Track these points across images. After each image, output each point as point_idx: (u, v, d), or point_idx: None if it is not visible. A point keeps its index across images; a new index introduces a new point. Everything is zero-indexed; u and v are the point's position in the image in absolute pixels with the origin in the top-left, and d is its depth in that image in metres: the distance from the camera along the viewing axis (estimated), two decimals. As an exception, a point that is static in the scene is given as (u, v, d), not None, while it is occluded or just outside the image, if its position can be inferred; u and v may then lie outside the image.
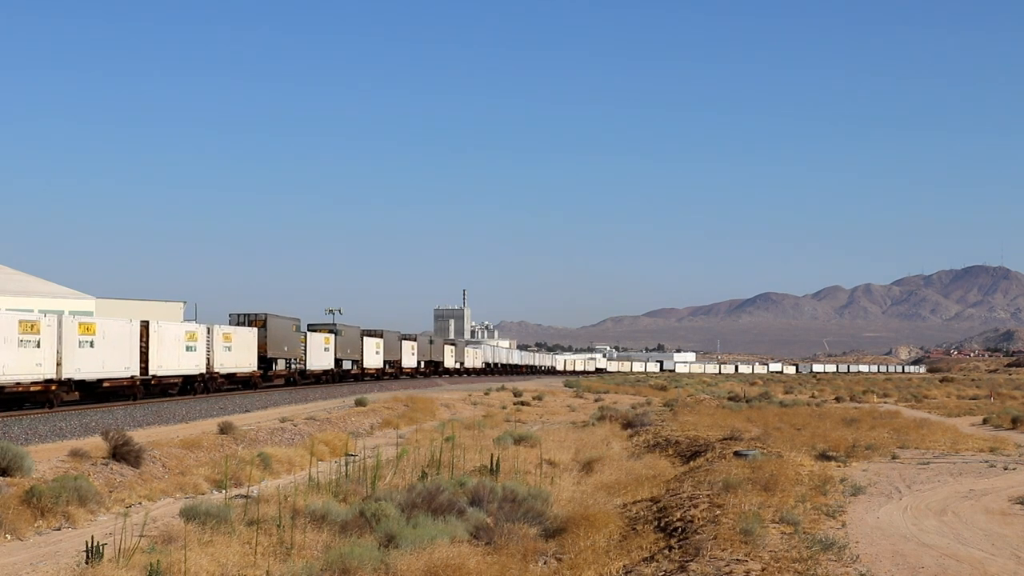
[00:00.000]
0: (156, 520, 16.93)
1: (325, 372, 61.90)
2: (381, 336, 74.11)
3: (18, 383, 30.41)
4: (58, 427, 28.04)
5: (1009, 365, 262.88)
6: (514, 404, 55.50)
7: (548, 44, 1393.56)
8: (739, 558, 12.99)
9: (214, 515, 15.91)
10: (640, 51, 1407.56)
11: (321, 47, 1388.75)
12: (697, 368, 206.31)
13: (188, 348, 41.70)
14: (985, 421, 40.55)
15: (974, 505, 17.93)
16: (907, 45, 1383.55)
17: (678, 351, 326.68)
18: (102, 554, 13.21)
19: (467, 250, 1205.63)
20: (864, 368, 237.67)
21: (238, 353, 47.23)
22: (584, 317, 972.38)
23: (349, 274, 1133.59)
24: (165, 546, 14.36)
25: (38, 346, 31.11)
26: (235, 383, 48.90)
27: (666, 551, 14.40)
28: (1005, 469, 23.06)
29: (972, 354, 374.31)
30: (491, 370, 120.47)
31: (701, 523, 15.74)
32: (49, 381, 31.85)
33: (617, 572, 13.77)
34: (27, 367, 30.70)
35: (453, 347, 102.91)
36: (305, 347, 57.69)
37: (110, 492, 19.78)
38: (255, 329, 50.10)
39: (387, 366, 75.62)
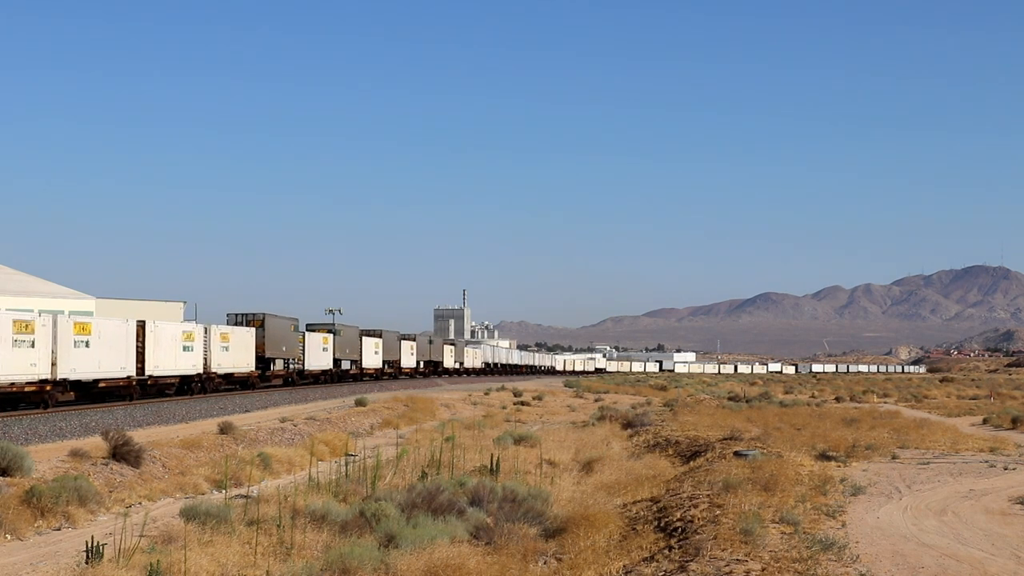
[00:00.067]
0: (156, 520, 16.93)
1: (323, 372, 61.86)
2: (380, 336, 74.08)
3: (13, 383, 30.21)
4: (58, 427, 28.04)
5: (1009, 365, 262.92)
6: (514, 404, 55.50)
7: (548, 44, 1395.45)
8: (739, 558, 12.99)
9: (214, 515, 15.91)
10: (640, 51, 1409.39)
11: (321, 47, 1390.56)
12: (697, 368, 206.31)
13: (185, 348, 41.61)
14: (985, 421, 40.55)
15: (974, 505, 17.93)
16: (907, 45, 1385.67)
17: (678, 351, 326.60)
18: (102, 554, 13.21)
19: (467, 250, 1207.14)
20: (864, 368, 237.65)
21: (236, 353, 47.16)
22: (584, 317, 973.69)
23: (349, 274, 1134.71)
24: (165, 546, 14.36)
25: (33, 346, 30.92)
26: (233, 383, 48.80)
27: (666, 551, 14.40)
28: (1005, 469, 23.06)
29: (972, 354, 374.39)
30: (491, 370, 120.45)
31: (701, 523, 15.74)
32: (44, 381, 31.63)
33: (617, 572, 13.76)
34: (22, 367, 30.50)
35: (453, 347, 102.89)
36: (303, 347, 57.63)
37: (110, 492, 19.78)
38: (253, 329, 50.02)
39: (386, 366, 75.58)
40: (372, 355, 71.64)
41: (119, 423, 28.75)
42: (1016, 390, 77.84)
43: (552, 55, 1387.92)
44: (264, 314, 52.34)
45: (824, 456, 24.53)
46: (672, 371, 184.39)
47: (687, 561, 13.17)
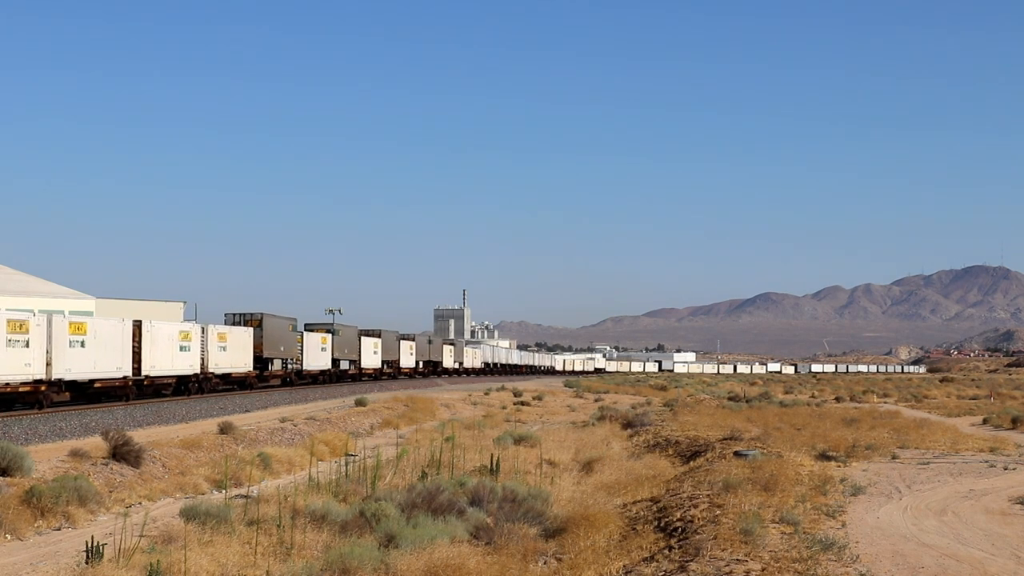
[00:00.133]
0: (156, 520, 16.92)
1: (322, 372, 61.81)
2: (379, 336, 74.07)
3: (7, 384, 30.04)
4: (58, 427, 28.03)
5: (1009, 365, 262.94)
6: (514, 404, 55.50)
7: (548, 44, 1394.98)
8: (739, 558, 12.99)
9: (214, 515, 15.90)
10: (640, 51, 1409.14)
11: (321, 47, 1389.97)
12: (697, 368, 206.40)
13: (182, 348, 41.51)
14: (985, 421, 40.56)
15: (974, 505, 17.93)
16: (907, 45, 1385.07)
17: (678, 351, 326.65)
18: (102, 554, 13.21)
19: (467, 250, 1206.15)
20: (864, 368, 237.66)
21: (233, 353, 47.08)
22: (584, 317, 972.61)
23: (349, 274, 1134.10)
24: (165, 546, 14.36)
25: (27, 346, 30.71)
26: (230, 383, 48.66)
27: (666, 551, 14.40)
28: (1005, 469, 23.07)
29: (972, 354, 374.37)
30: (491, 370, 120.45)
31: (701, 523, 15.74)
32: (38, 382, 31.43)
33: (617, 572, 13.76)
34: (15, 367, 30.29)
35: (452, 347, 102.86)
36: (302, 347, 57.59)
37: (110, 492, 19.78)
38: (250, 329, 49.95)
39: (385, 366, 75.55)
40: (371, 355, 71.63)
41: (119, 423, 28.74)
42: (1016, 390, 77.85)
43: (552, 55, 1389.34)
44: (262, 314, 52.31)
45: (824, 456, 24.53)
46: (672, 371, 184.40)
47: (687, 561, 13.18)
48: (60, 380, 32.82)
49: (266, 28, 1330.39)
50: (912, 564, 13.11)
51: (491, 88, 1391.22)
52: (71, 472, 19.64)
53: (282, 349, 54.84)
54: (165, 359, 40.09)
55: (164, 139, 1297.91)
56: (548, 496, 18.90)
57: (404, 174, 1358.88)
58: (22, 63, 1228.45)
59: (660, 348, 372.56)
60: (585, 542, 15.71)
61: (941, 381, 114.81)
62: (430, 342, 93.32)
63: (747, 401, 56.36)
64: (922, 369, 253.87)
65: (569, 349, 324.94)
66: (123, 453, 21.97)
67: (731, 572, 12.38)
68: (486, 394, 61.68)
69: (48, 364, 31.93)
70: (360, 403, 43.63)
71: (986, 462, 24.29)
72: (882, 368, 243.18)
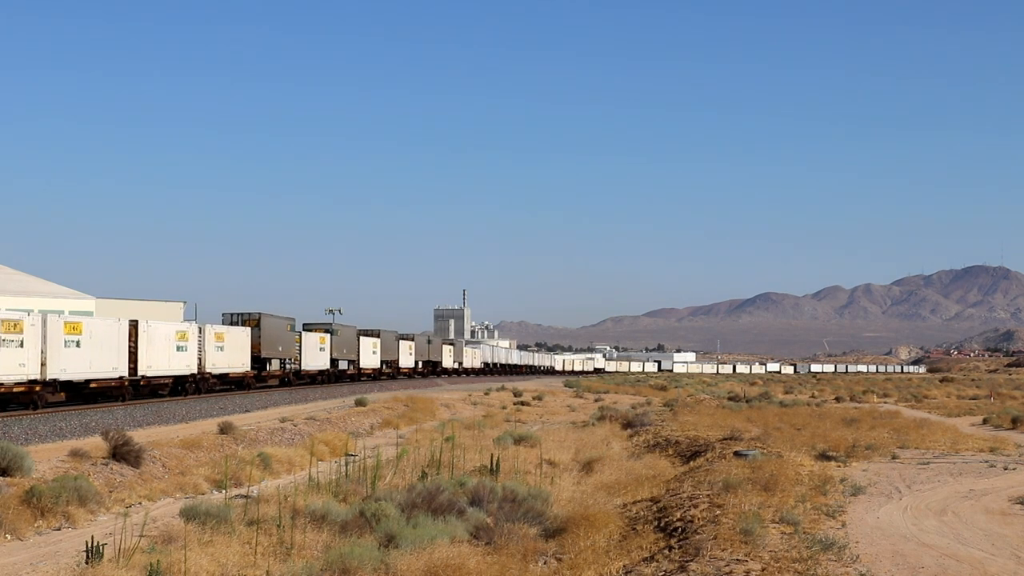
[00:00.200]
0: (156, 520, 16.92)
1: (321, 372, 61.74)
2: (378, 336, 74.04)
3: (1, 384, 29.95)
4: (58, 427, 28.02)
5: (1009, 365, 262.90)
6: (514, 404, 55.50)
7: (548, 44, 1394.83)
8: (739, 558, 12.99)
9: (214, 515, 15.90)
10: (640, 51, 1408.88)
11: (321, 47, 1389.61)
12: (696, 368, 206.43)
13: (179, 348, 41.42)
14: (985, 421, 40.56)
15: (974, 505, 17.93)
16: (907, 45, 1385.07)
17: (678, 351, 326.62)
18: (102, 554, 13.21)
19: (467, 250, 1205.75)
20: (864, 368, 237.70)
21: (231, 353, 46.99)
22: (584, 317, 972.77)
23: (349, 274, 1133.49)
24: (165, 546, 14.36)
25: (21, 346, 30.60)
26: (228, 383, 48.52)
27: (666, 551, 14.40)
28: (1005, 469, 23.07)
29: (972, 354, 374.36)
30: (490, 370, 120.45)
31: (701, 523, 15.74)
32: (33, 382, 31.30)
33: (617, 572, 13.76)
34: (9, 367, 30.17)
35: (452, 347, 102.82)
36: (300, 347, 57.54)
37: (110, 492, 19.78)
38: (248, 329, 49.88)
39: (384, 366, 75.52)
40: (370, 355, 71.60)
41: (119, 423, 28.73)
42: (1016, 390, 77.85)
43: (552, 55, 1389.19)
44: (260, 314, 52.27)
45: (824, 456, 24.53)
46: (672, 371, 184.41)
47: (687, 561, 13.17)
48: (55, 380, 32.69)
49: (266, 28, 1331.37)
50: (912, 564, 13.11)
51: (491, 88, 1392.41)
52: (71, 472, 19.64)
53: (280, 349, 54.81)
54: (162, 359, 40.01)
55: (164, 139, 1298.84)
56: (548, 496, 18.90)
57: (404, 174, 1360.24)
58: (22, 63, 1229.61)
59: (660, 348, 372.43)
60: (585, 542, 15.71)
61: (941, 381, 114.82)
62: (429, 342, 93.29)
63: (747, 401, 56.36)
64: (922, 369, 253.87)
65: (569, 349, 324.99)
66: (123, 453, 21.97)
67: (731, 572, 12.38)
68: (486, 394, 61.68)
69: (43, 364, 31.80)
70: (360, 403, 43.63)
71: (986, 462, 24.29)
72: (882, 368, 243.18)
